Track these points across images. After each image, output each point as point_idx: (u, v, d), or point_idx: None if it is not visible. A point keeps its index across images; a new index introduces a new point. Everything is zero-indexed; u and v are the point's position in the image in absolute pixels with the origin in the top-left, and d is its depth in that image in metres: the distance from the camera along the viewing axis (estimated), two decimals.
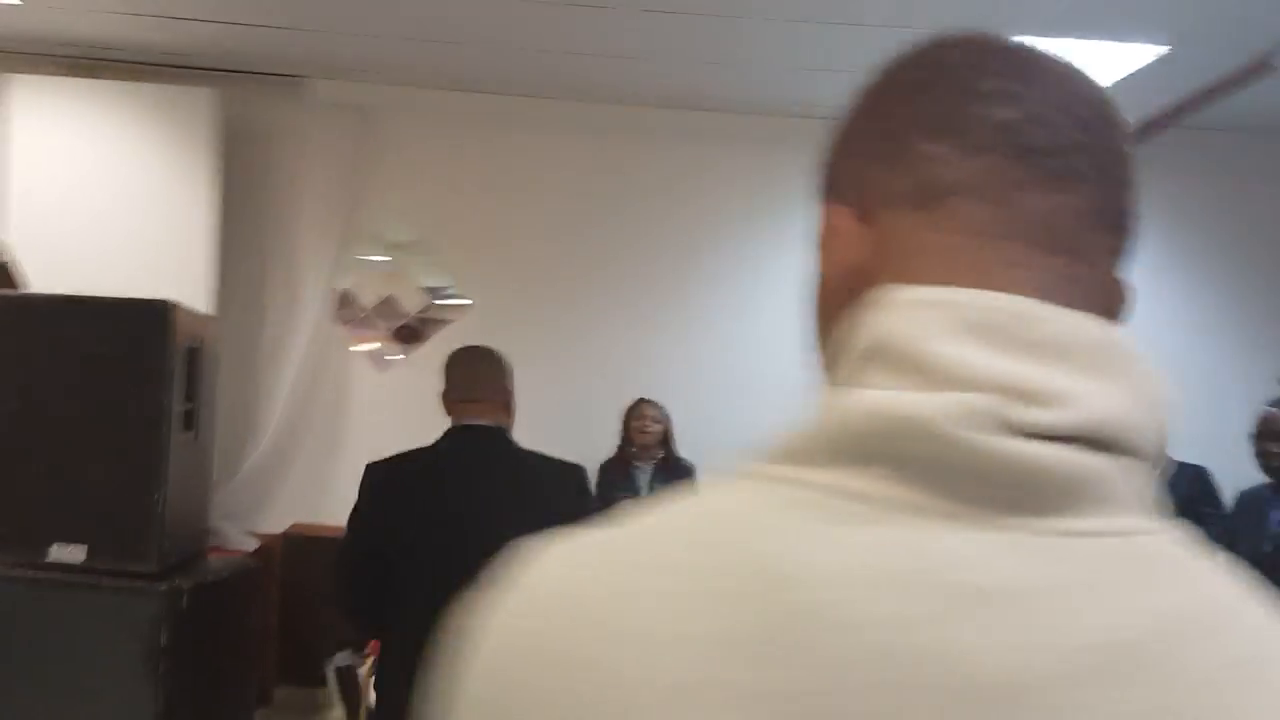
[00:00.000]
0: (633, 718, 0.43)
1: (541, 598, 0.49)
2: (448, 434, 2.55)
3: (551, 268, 5.57)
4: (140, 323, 2.46)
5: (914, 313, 0.51)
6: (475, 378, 2.58)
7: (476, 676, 0.49)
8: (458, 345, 5.43)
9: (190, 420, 2.63)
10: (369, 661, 5.08)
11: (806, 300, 0.65)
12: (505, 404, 2.56)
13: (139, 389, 2.46)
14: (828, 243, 0.60)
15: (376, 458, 5.32)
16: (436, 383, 5.41)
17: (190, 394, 2.61)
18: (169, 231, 4.76)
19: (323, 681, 5.33)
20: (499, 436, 2.51)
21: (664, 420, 4.84)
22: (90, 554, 2.47)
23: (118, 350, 2.45)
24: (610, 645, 0.45)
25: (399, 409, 5.48)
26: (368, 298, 5.57)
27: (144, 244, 4.64)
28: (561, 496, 2.45)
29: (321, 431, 5.50)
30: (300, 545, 5.40)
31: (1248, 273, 5.65)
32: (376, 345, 5.58)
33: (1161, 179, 5.61)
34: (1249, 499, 4.25)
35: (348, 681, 5.23)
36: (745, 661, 0.43)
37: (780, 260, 5.57)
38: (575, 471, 2.58)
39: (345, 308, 5.57)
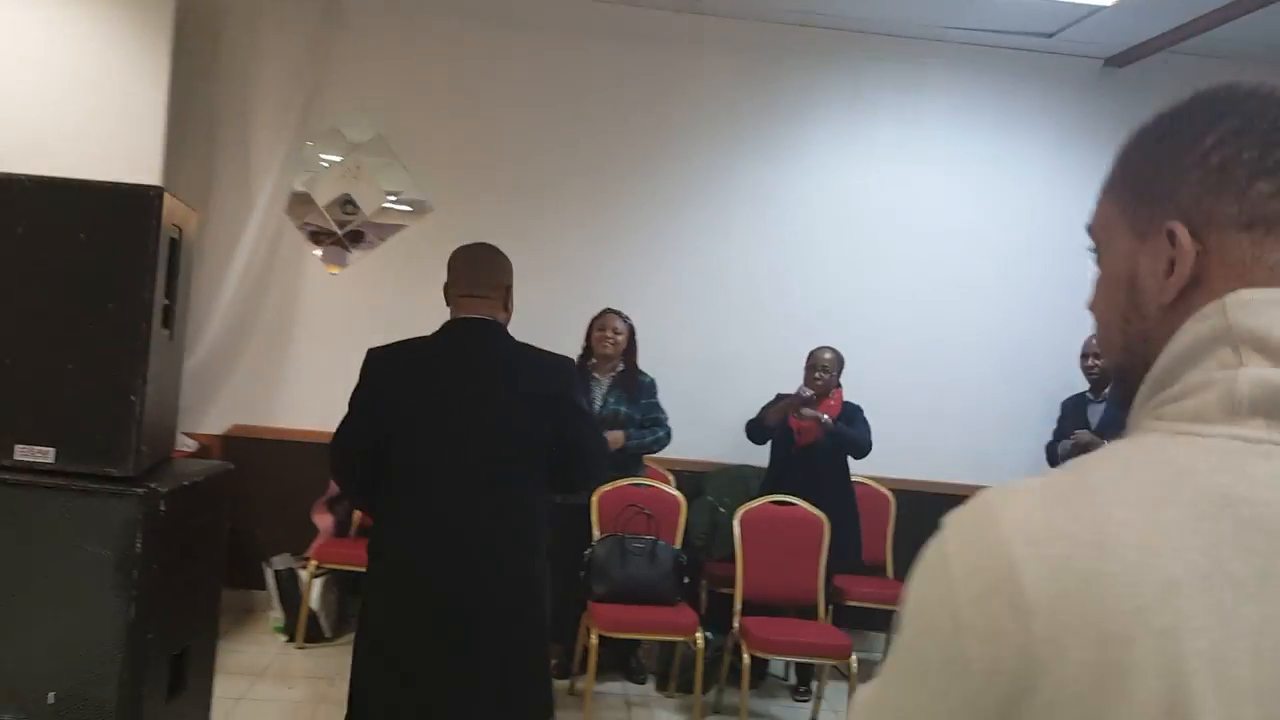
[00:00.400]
0: (1144, 604, 0.65)
1: (1065, 530, 0.68)
2: (446, 325, 2.65)
3: (518, 171, 5.40)
4: (126, 210, 2.27)
5: (1271, 309, 0.72)
6: (476, 273, 2.65)
7: (1021, 590, 0.67)
8: (418, 248, 5.33)
9: (168, 317, 2.47)
10: (310, 565, 5.00)
11: (1111, 292, 0.83)
12: (503, 300, 2.68)
13: (120, 282, 2.28)
14: (1154, 248, 0.79)
15: (322, 361, 5.19)
16: (392, 286, 5.27)
17: (169, 289, 2.45)
18: (116, 115, 4.49)
19: (261, 584, 5.24)
20: (495, 330, 2.63)
21: (627, 331, 4.74)
22: (58, 457, 2.31)
23: (98, 239, 2.26)
24: (1123, 558, 0.66)
25: (350, 312, 5.33)
26: (322, 196, 5.36)
27: (90, 127, 4.38)
28: (549, 388, 2.59)
29: (267, 332, 5.32)
30: (240, 447, 5.27)
31: None
32: (329, 246, 5.39)
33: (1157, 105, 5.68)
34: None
35: (287, 585, 5.14)
36: (1215, 559, 0.66)
37: (752, 174, 5.49)
38: (564, 364, 2.71)
39: (298, 205, 5.35)
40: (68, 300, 2.30)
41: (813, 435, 4.67)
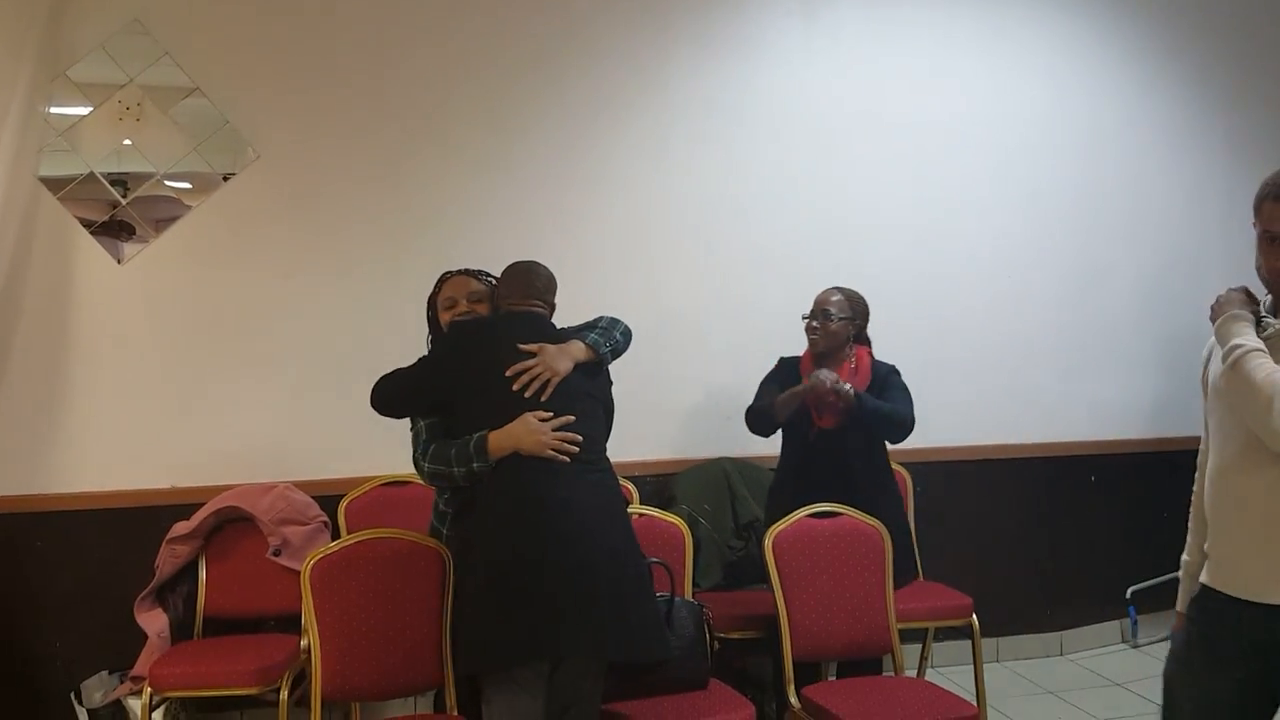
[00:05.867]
0: None
1: None
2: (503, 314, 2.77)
3: (372, 95, 3.93)
4: None
5: None
6: (533, 283, 2.77)
7: None
8: (243, 213, 3.78)
9: None
10: (145, 691, 3.40)
11: None
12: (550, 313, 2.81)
13: None
14: None
15: (117, 392, 3.65)
16: (209, 271, 3.71)
17: None
18: None
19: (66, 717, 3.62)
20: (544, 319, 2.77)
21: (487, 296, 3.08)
22: None
23: None
24: None
25: (153, 317, 3.77)
26: (93, 155, 3.69)
27: None
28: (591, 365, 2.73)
29: (29, 360, 3.68)
30: (12, 527, 3.71)
31: None
32: (111, 227, 3.73)
33: None
34: None
35: None
36: None
37: (689, 77, 4.20)
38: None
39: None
40: None
41: (836, 415, 3.41)
